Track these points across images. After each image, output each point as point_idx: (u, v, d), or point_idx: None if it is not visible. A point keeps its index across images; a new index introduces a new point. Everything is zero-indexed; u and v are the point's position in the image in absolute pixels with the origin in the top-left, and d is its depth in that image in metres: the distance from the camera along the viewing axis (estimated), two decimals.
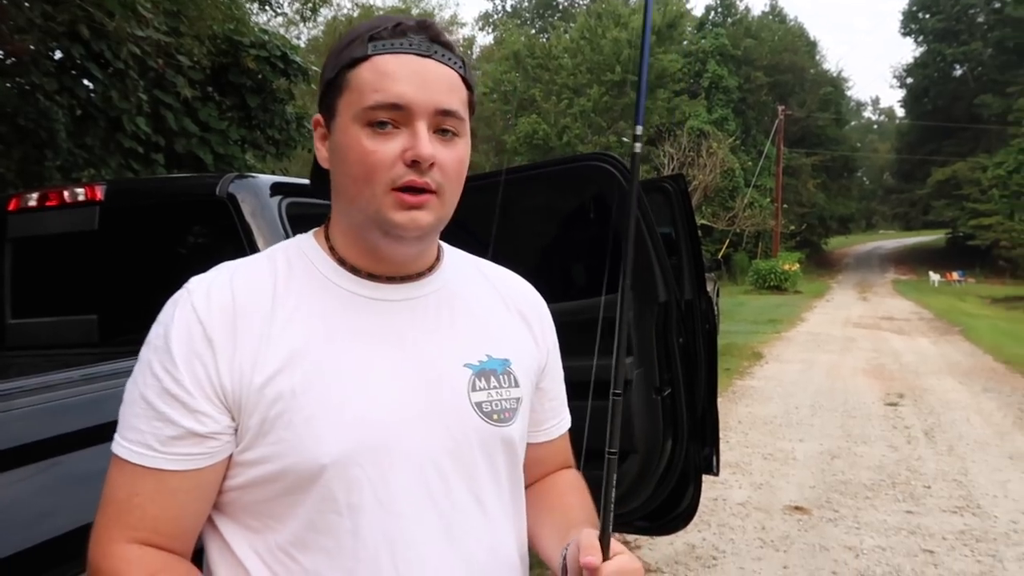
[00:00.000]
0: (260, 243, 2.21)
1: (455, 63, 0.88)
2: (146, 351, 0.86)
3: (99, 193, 2.40)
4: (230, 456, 0.85)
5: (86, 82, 5.92)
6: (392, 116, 0.83)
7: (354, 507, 0.84)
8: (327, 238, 0.94)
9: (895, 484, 5.16)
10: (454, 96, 0.86)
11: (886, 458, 5.80)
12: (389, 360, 0.88)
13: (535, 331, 1.04)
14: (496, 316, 1.00)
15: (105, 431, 1.50)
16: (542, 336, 1.05)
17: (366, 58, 0.84)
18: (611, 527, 0.86)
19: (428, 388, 0.89)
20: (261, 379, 0.83)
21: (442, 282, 0.97)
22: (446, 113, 0.85)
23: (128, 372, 1.66)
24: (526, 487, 1.03)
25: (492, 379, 0.94)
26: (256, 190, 2.31)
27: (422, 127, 0.84)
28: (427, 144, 0.83)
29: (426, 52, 0.85)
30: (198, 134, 6.78)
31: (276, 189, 2.34)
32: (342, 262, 0.91)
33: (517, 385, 0.96)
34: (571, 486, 1.09)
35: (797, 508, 4.67)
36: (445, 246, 1.02)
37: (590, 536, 0.86)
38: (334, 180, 0.91)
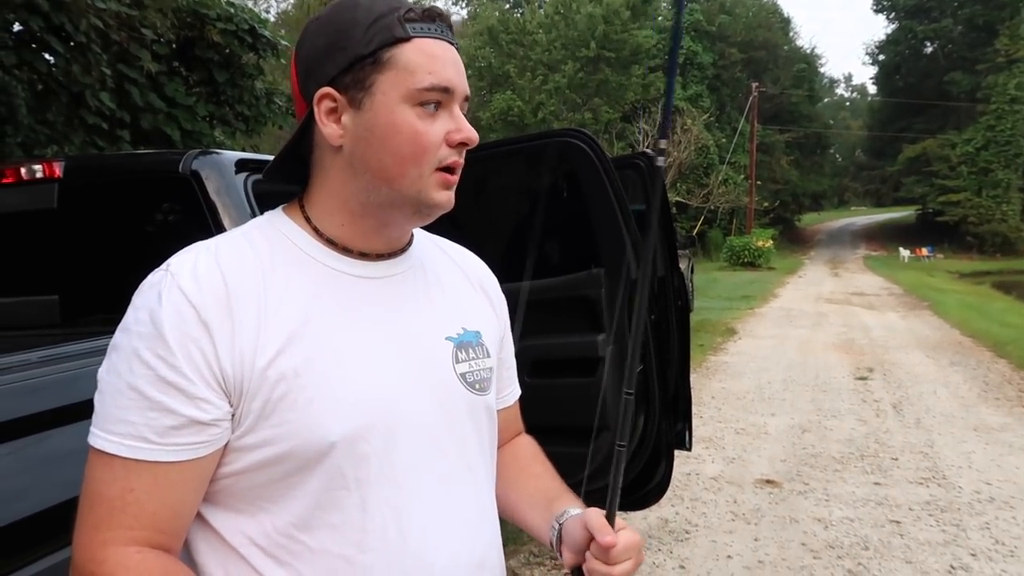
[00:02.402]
0: (226, 222, 2.16)
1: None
2: (126, 338, 0.81)
3: (57, 170, 2.33)
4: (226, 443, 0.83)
5: (47, 56, 5.75)
6: (439, 98, 0.87)
7: (362, 481, 0.85)
8: (306, 219, 0.92)
9: (864, 456, 5.26)
10: (467, 81, 0.92)
11: (855, 431, 5.91)
12: (381, 336, 0.90)
13: (495, 304, 1.09)
14: (463, 291, 1.04)
15: (66, 413, 1.48)
16: (500, 309, 1.10)
17: (408, 39, 0.85)
18: (616, 508, 0.94)
19: (419, 363, 0.92)
20: (263, 361, 0.81)
21: (416, 257, 0.99)
22: (467, 99, 0.91)
23: (87, 352, 1.63)
24: None
25: (470, 350, 0.98)
26: (221, 167, 2.25)
27: (458, 110, 0.89)
28: (472, 128, 0.89)
29: (451, 39, 0.90)
30: (164, 110, 6.62)
31: (242, 166, 2.29)
32: (330, 241, 0.91)
33: (489, 356, 1.01)
34: (532, 455, 1.17)
35: (768, 481, 4.75)
36: None
37: (598, 516, 0.93)
38: (360, 158, 0.87)
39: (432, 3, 0.93)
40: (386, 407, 0.87)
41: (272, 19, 15.83)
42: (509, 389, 1.15)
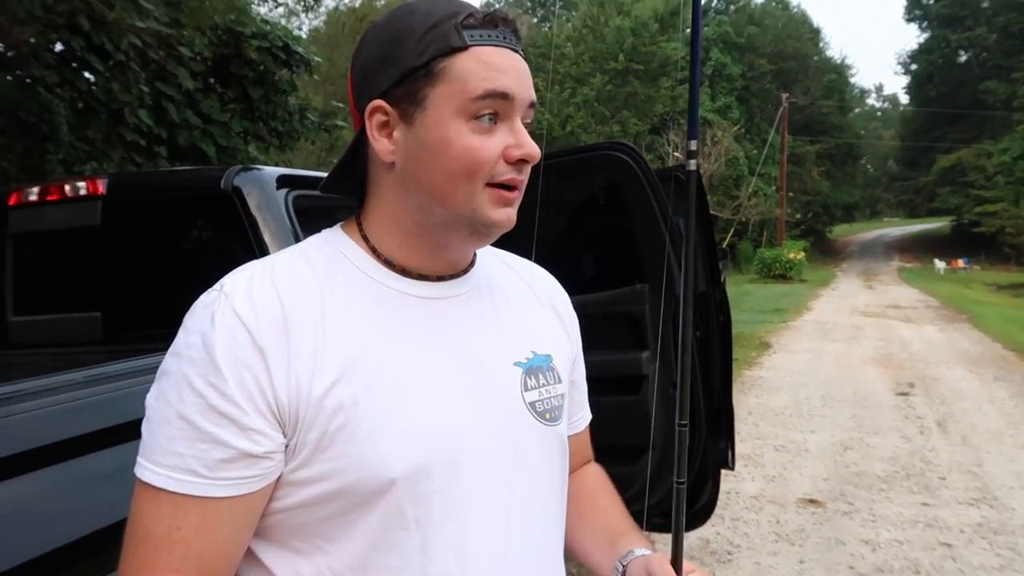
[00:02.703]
0: (267, 237, 2.14)
1: (525, 56, 0.86)
2: (176, 363, 0.76)
3: (101, 187, 2.34)
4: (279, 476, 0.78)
5: (87, 74, 5.86)
6: (496, 108, 0.80)
7: (422, 522, 0.78)
8: (364, 237, 0.86)
9: (910, 476, 5.10)
10: (533, 89, 0.85)
11: (899, 449, 5.75)
12: (445, 362, 0.83)
13: (566, 324, 1.01)
14: (532, 311, 0.96)
15: (111, 435, 1.46)
16: (572, 329, 1.03)
17: (465, 48, 0.79)
18: (681, 552, 0.90)
19: (485, 391, 0.85)
20: (320, 390, 0.75)
21: (481, 277, 0.92)
22: (532, 105, 0.84)
23: (134, 372, 1.62)
24: None
25: (540, 377, 0.91)
26: (262, 183, 2.24)
27: (519, 123, 0.82)
28: (533, 143, 0.82)
29: (515, 46, 0.83)
30: (200, 126, 6.71)
31: (283, 182, 2.27)
32: (387, 262, 0.85)
33: (560, 381, 0.94)
34: (601, 487, 1.09)
35: (811, 501, 4.62)
36: None
37: (662, 563, 0.88)
38: (411, 175, 0.82)
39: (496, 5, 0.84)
40: (450, 440, 0.80)
41: (304, 35, 16.04)
42: (580, 414, 1.08)
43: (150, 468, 0.74)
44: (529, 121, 0.84)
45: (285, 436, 0.76)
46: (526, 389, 0.88)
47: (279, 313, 0.76)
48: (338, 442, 0.75)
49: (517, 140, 0.81)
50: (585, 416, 1.09)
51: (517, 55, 0.83)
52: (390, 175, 0.84)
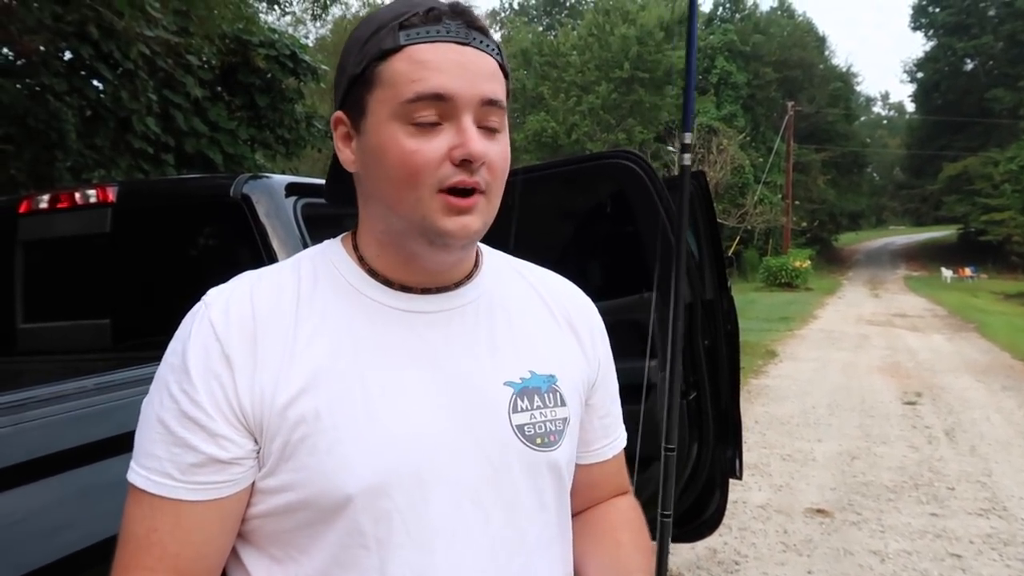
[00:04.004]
0: (275, 245, 2.15)
1: (492, 50, 0.79)
2: (163, 369, 0.79)
3: (111, 195, 2.34)
4: (253, 482, 0.78)
5: (95, 82, 5.90)
6: (435, 110, 0.75)
7: (382, 541, 0.76)
8: (355, 246, 0.86)
9: (918, 486, 5.07)
10: (497, 85, 0.78)
11: (907, 459, 5.71)
12: (422, 379, 0.80)
13: (584, 342, 0.94)
14: (541, 327, 0.91)
15: (121, 442, 1.46)
16: (592, 347, 0.95)
17: (398, 49, 0.76)
18: None
19: (465, 410, 0.81)
20: (284, 400, 0.75)
21: (481, 290, 0.88)
22: (491, 103, 0.77)
23: (141, 380, 1.62)
24: (575, 514, 0.94)
25: (536, 398, 0.85)
26: (271, 191, 2.25)
27: (468, 121, 0.76)
28: (477, 140, 0.76)
29: (464, 39, 0.76)
30: (208, 134, 6.75)
31: (291, 189, 2.28)
32: (372, 272, 0.83)
33: (564, 404, 0.87)
34: (625, 521, 0.99)
35: (819, 511, 4.59)
36: (485, 249, 0.93)
37: None
38: (367, 184, 0.82)
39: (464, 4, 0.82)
40: (415, 459, 0.77)
41: (311, 44, 16.11)
42: (604, 441, 0.99)
43: (135, 470, 0.77)
44: (492, 120, 0.78)
45: (256, 444, 0.77)
46: (515, 411, 0.83)
47: (250, 324, 0.78)
48: (300, 454, 0.76)
49: (460, 139, 0.75)
50: (614, 443, 1.00)
51: (467, 48, 0.77)
52: (360, 185, 0.84)
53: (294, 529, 0.78)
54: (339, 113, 0.83)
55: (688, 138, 0.80)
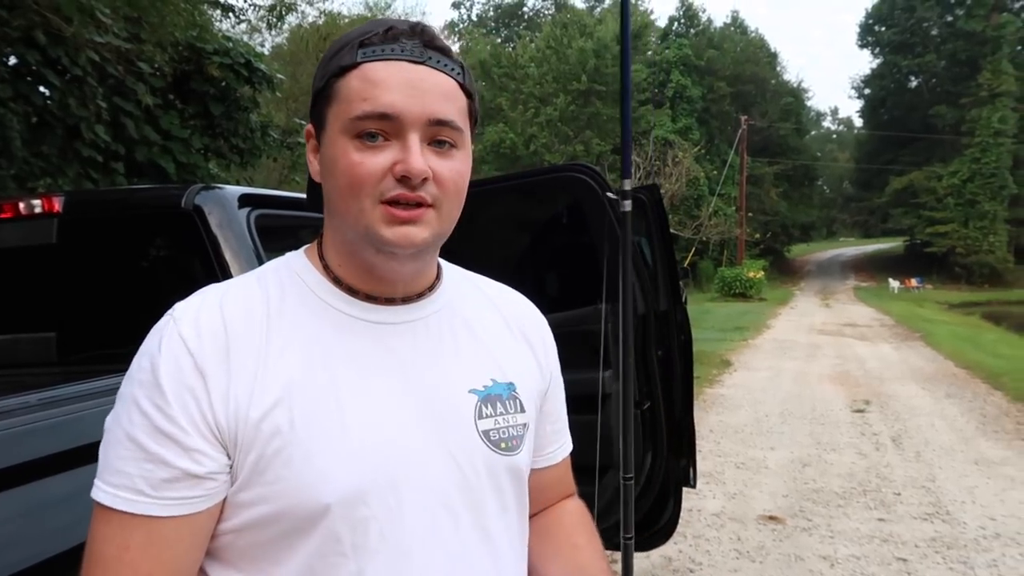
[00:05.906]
0: (228, 257, 2.12)
1: (452, 69, 0.81)
2: (129, 386, 0.78)
3: (57, 205, 2.29)
4: (225, 496, 0.78)
5: (42, 89, 5.74)
6: (382, 127, 0.78)
7: (360, 548, 0.78)
8: (321, 256, 0.87)
9: (866, 492, 5.20)
10: (450, 105, 0.80)
11: (856, 465, 5.85)
12: (392, 389, 0.82)
13: (538, 353, 0.98)
14: (499, 337, 0.94)
15: (65, 459, 1.43)
16: (544, 357, 0.99)
17: (355, 66, 0.79)
18: None
19: (434, 418, 0.84)
20: (258, 413, 0.76)
21: (443, 302, 0.91)
22: (440, 123, 0.79)
23: (87, 395, 1.58)
24: (529, 517, 0.97)
25: (498, 405, 0.89)
26: (224, 202, 2.22)
27: (414, 139, 0.78)
28: (418, 158, 0.78)
29: (419, 58, 0.79)
30: (160, 142, 6.62)
31: (245, 201, 2.25)
32: (337, 282, 0.85)
33: (523, 410, 0.91)
34: (578, 523, 1.04)
35: (771, 518, 4.68)
36: (443, 263, 0.96)
37: None
38: (325, 194, 0.85)
39: (426, 24, 0.84)
40: (390, 467, 0.79)
41: (267, 52, 15.94)
42: (555, 446, 1.03)
43: (102, 488, 0.76)
44: (445, 137, 0.80)
45: (229, 458, 0.77)
46: (480, 417, 0.87)
47: (222, 337, 0.78)
48: (275, 466, 0.76)
49: (403, 156, 0.78)
50: (563, 448, 1.05)
51: (421, 67, 0.79)
52: (324, 196, 0.87)
53: (267, 542, 0.78)
54: (309, 126, 0.87)
55: (627, 185, 0.83)
